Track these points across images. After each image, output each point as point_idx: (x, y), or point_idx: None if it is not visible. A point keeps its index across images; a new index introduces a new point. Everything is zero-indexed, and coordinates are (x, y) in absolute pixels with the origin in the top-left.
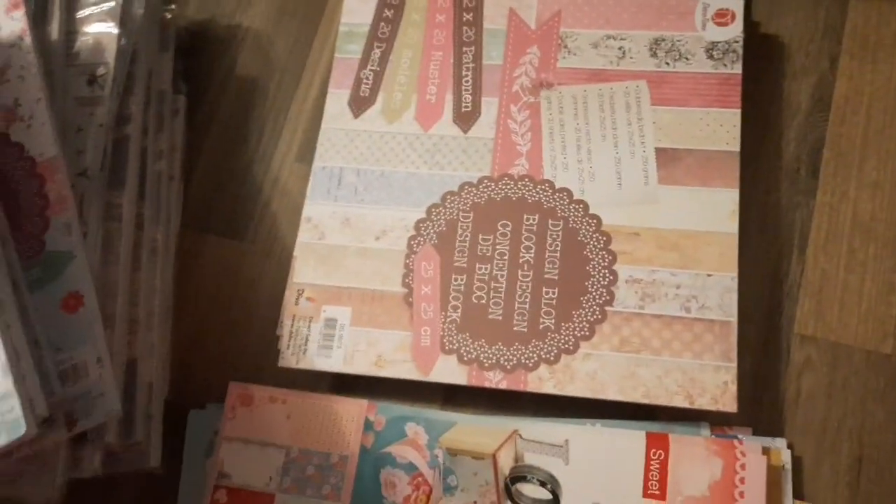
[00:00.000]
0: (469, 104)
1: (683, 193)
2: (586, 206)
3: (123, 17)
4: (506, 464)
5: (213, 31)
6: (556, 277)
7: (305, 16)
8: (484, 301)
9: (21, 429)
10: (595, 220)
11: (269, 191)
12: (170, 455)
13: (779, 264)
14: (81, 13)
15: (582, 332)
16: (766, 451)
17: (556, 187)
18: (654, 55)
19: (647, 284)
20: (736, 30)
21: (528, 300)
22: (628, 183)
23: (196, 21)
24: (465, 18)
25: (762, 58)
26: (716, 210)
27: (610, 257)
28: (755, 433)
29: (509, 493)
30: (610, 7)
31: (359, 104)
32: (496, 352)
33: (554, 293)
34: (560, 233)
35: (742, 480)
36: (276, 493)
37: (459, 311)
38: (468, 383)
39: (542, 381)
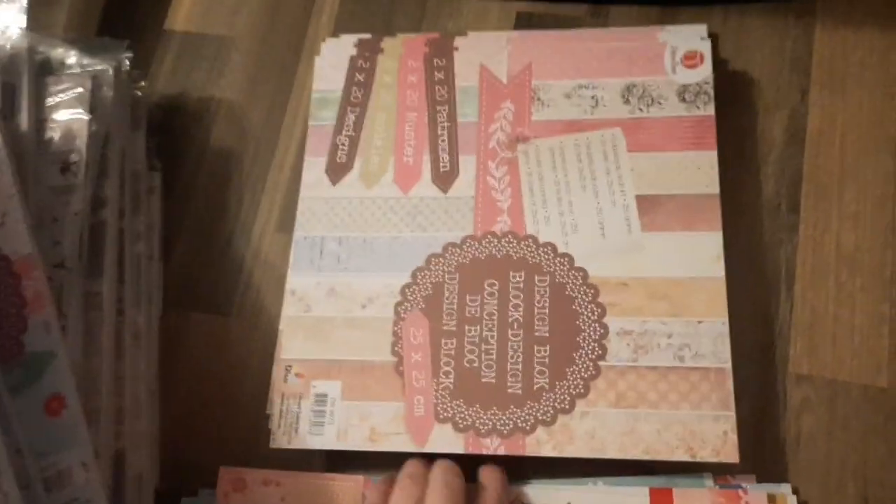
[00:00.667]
0: (447, 164)
1: (668, 239)
2: (571, 259)
3: (93, 102)
4: None
5: (185, 105)
6: (547, 334)
7: (277, 84)
8: (476, 364)
9: None
10: (581, 273)
11: (251, 263)
12: None
13: (768, 304)
14: (50, 101)
15: (577, 390)
16: (771, 498)
17: (540, 242)
18: (627, 102)
19: (639, 335)
20: (705, 71)
21: (520, 360)
22: (611, 232)
23: (167, 96)
24: (436, 77)
25: (733, 95)
26: (701, 254)
27: (599, 310)
28: (759, 479)
29: None
30: (580, 56)
31: (336, 171)
32: (492, 417)
33: (546, 350)
34: (547, 288)
35: None
36: None
37: (452, 376)
38: (465, 451)
39: (541, 444)
